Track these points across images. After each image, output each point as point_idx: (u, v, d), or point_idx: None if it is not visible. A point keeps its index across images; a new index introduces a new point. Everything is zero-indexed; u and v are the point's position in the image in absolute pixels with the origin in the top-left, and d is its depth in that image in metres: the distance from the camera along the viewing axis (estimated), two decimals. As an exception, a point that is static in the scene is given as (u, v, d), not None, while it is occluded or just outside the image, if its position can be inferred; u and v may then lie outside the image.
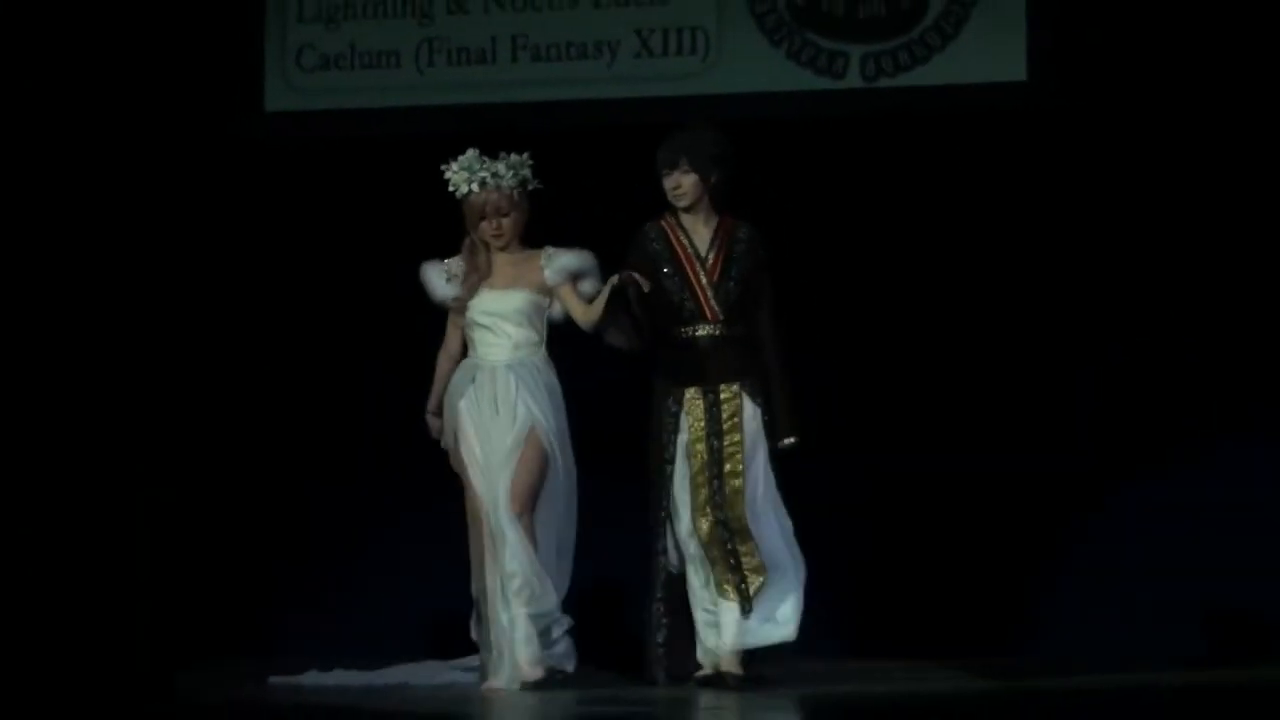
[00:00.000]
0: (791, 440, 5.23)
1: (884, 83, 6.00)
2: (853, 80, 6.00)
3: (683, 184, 5.19)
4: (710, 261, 5.28)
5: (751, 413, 5.27)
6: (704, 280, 5.27)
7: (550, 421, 5.37)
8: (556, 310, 5.42)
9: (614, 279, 5.23)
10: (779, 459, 5.28)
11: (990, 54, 5.83)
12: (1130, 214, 6.13)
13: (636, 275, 5.23)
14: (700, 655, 5.27)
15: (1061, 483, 6.32)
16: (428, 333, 5.68)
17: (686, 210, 5.23)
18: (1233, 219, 6.19)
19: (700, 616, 5.27)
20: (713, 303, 5.25)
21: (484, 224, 5.39)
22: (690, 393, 5.29)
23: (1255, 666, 5.70)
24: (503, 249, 5.40)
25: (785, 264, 5.71)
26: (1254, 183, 6.19)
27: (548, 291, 5.37)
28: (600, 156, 6.11)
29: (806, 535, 5.53)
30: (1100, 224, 6.13)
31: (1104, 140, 6.05)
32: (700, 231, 5.29)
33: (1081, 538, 6.43)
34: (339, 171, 6.31)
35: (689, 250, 5.29)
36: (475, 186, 5.39)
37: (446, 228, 5.75)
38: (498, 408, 5.35)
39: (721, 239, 5.29)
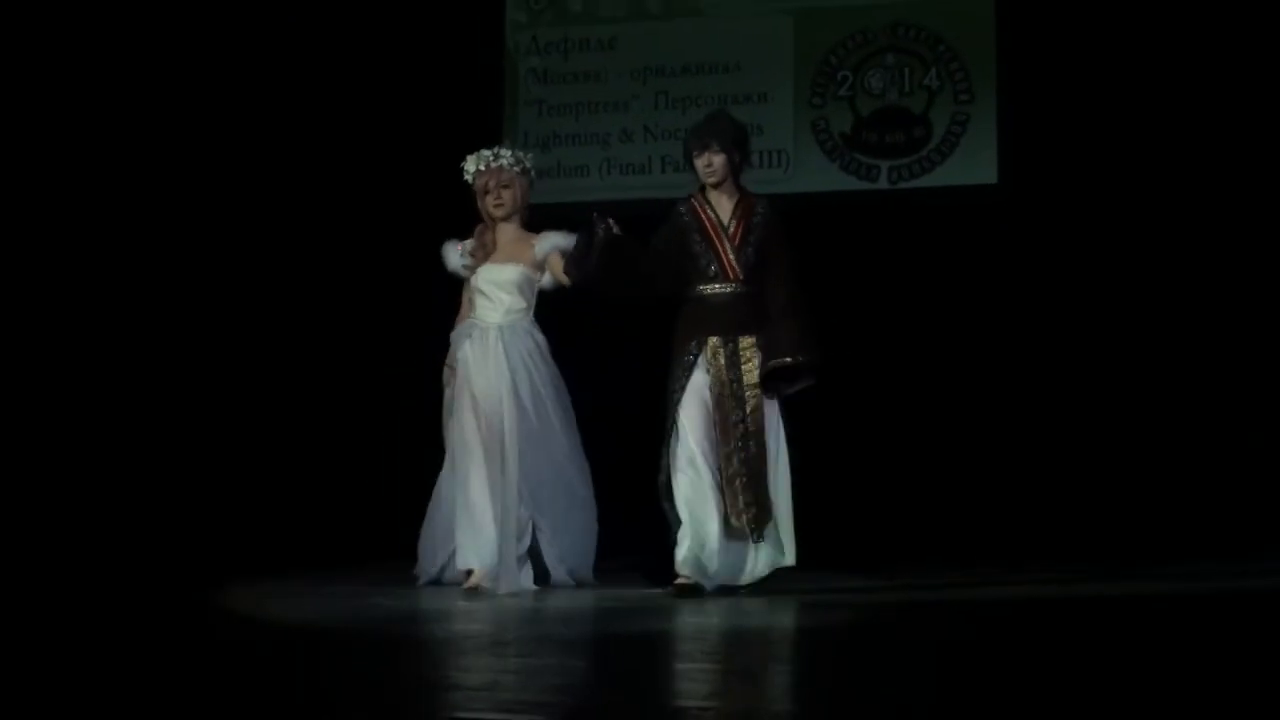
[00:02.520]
0: (787, 360, 5.27)
1: (903, 185, 7.22)
2: (882, 184, 7.25)
3: (714, 163, 5.43)
4: (732, 230, 5.45)
5: (752, 363, 5.39)
6: (727, 245, 5.43)
7: (532, 371, 5.58)
8: (546, 280, 5.69)
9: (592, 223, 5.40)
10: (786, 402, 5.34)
11: (975, 165, 7.09)
12: (1078, 287, 6.89)
13: (609, 220, 5.38)
14: (679, 563, 5.24)
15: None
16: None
17: (715, 186, 5.49)
18: (1175, 291, 6.83)
19: (690, 527, 5.26)
20: (735, 264, 5.42)
21: (488, 197, 5.71)
22: (713, 341, 5.42)
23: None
24: (505, 219, 5.71)
25: (834, 305, 6.20)
26: (1196, 263, 6.81)
27: (539, 267, 5.67)
28: None
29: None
30: (1053, 293, 6.91)
31: (1058, 227, 6.94)
32: (724, 205, 5.51)
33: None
34: None
35: (714, 221, 5.48)
36: (481, 166, 5.72)
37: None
38: (489, 357, 5.58)
39: (742, 211, 5.49)
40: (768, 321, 5.34)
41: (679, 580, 5.21)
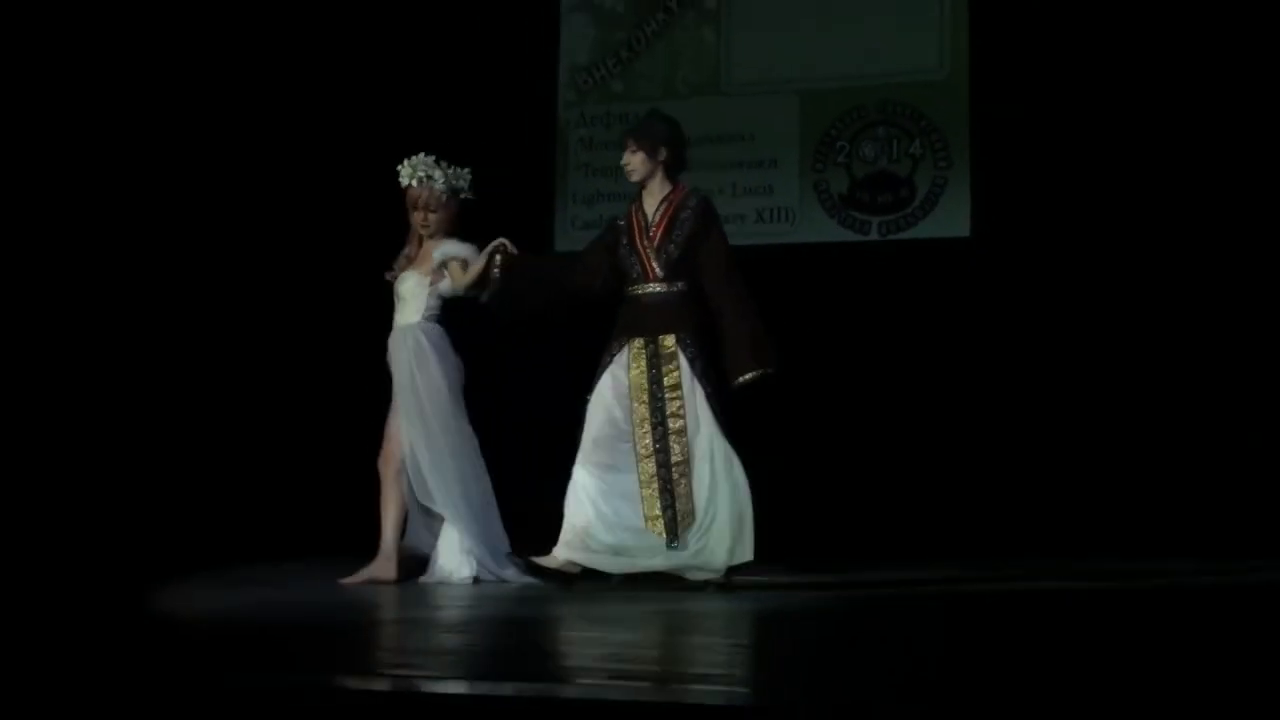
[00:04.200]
0: (749, 376, 5.09)
1: (891, 238, 7.75)
2: (873, 236, 7.80)
3: (631, 161, 5.29)
4: (654, 229, 5.20)
5: (686, 361, 5.16)
6: (647, 245, 5.19)
7: (429, 373, 5.50)
8: (444, 286, 5.61)
9: (489, 247, 5.40)
10: (737, 399, 5.17)
11: (949, 220, 7.62)
12: (1042, 322, 7.29)
13: (505, 242, 5.38)
14: (559, 548, 5.14)
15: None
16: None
17: (640, 185, 5.30)
18: (1132, 322, 7.14)
19: (578, 519, 5.13)
20: (654, 263, 5.18)
21: (416, 214, 5.63)
22: (636, 342, 5.20)
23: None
24: (430, 238, 5.63)
25: (830, 340, 7.11)
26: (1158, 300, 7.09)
27: (438, 273, 5.59)
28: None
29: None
30: (1019, 327, 7.31)
31: (1023, 272, 7.35)
32: (651, 204, 5.28)
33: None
34: None
35: (641, 221, 5.27)
36: (414, 182, 5.61)
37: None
38: (395, 359, 5.62)
39: (667, 207, 5.22)
40: (690, 320, 5.13)
41: (542, 562, 5.11)
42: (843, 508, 7.07)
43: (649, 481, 5.10)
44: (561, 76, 8.26)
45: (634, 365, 5.18)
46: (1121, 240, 7.30)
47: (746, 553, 5.04)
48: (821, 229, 7.90)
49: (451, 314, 5.73)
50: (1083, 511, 7.02)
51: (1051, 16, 7.40)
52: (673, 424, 5.08)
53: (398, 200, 5.78)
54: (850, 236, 7.86)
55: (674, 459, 5.07)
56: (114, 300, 7.19)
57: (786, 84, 7.97)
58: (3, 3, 6.80)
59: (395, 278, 5.70)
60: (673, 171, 5.35)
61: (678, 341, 5.14)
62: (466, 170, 5.69)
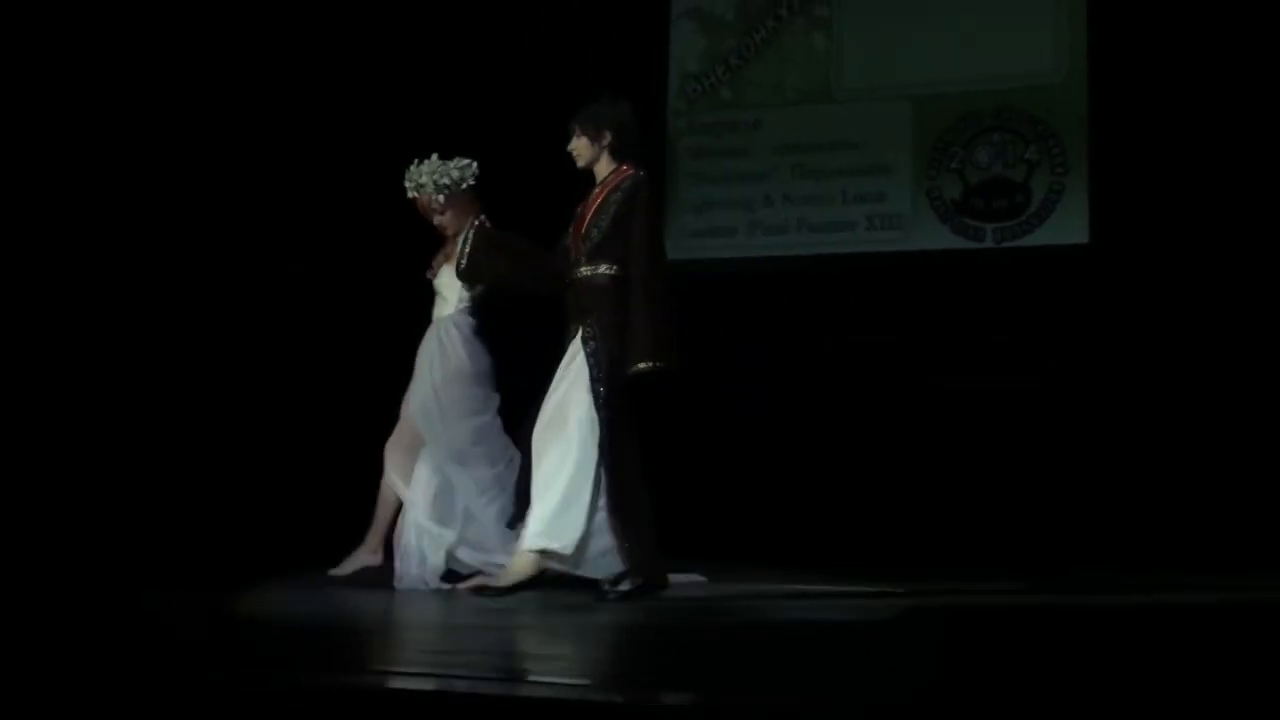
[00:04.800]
0: (642, 367, 4.92)
1: (1006, 245, 7.63)
2: (988, 244, 7.70)
3: (576, 146, 5.20)
4: (585, 212, 5.13)
5: (576, 349, 5.05)
6: (577, 228, 5.14)
7: (449, 364, 5.56)
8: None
9: (465, 230, 5.40)
10: (632, 389, 4.97)
11: (1066, 226, 7.49)
12: (1160, 330, 7.18)
13: (482, 218, 5.41)
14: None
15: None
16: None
17: (585, 170, 5.19)
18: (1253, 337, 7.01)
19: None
20: (579, 249, 5.10)
21: (431, 219, 5.74)
22: (570, 329, 5.15)
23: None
24: (453, 237, 5.67)
25: (945, 348, 7.16)
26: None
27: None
28: (846, 284, 7.56)
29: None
30: (1138, 335, 7.18)
31: (1143, 280, 7.26)
32: (594, 189, 5.19)
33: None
34: (709, 293, 7.37)
35: (582, 206, 5.19)
36: (413, 194, 5.68)
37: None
38: (425, 351, 5.72)
39: (600, 190, 5.11)
40: (602, 306, 5.03)
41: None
42: (973, 520, 7.06)
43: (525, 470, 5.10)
44: (671, 84, 8.27)
45: (563, 353, 5.14)
46: (1245, 246, 7.21)
47: (560, 541, 4.93)
48: (934, 236, 7.82)
49: (490, 306, 5.79)
50: (1238, 524, 6.89)
51: (1172, 15, 7.32)
52: (554, 410, 5.02)
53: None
54: (964, 244, 7.78)
55: (537, 445, 5.03)
56: (173, 307, 7.19)
57: (898, 90, 7.92)
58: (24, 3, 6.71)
59: (434, 275, 5.83)
60: (620, 154, 5.23)
61: (583, 328, 5.07)
62: (460, 161, 5.65)
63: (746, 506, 7.07)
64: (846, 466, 7.24)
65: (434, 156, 5.62)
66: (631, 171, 5.16)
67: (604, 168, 5.20)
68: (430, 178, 5.56)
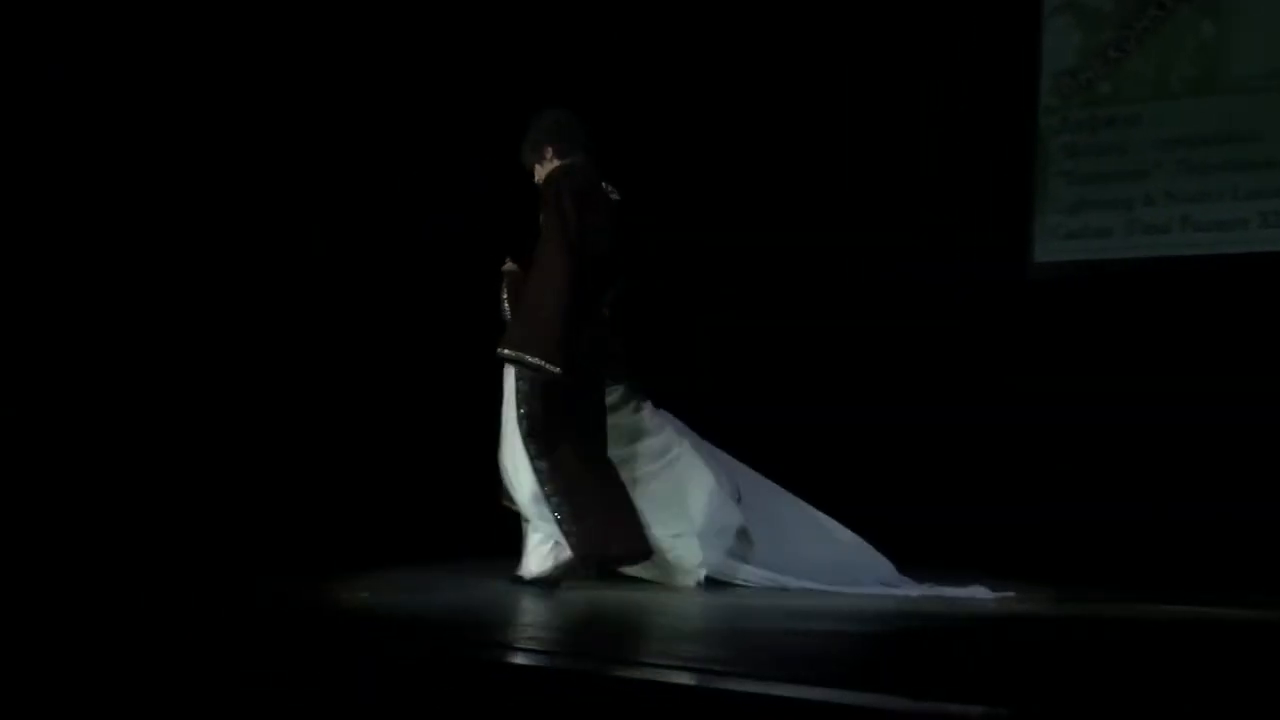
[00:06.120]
0: (505, 353, 5.08)
1: None
2: None
3: (536, 175, 5.36)
4: None
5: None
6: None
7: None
8: None
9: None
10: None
11: None
12: None
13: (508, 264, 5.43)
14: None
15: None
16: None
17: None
18: None
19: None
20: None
21: None
22: None
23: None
24: None
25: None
26: None
27: None
28: (1237, 286, 7.27)
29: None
30: None
31: None
32: None
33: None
34: (1085, 296, 7.53)
35: None
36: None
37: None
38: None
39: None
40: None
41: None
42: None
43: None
44: (1043, 82, 8.03)
45: None
46: None
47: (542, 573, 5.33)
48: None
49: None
50: None
51: None
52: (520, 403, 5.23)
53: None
54: None
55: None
56: (272, 305, 7.36)
57: (1299, 78, 7.42)
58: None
59: None
60: (567, 154, 5.37)
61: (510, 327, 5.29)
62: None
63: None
64: (1244, 480, 6.93)
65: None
66: (562, 164, 5.35)
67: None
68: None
